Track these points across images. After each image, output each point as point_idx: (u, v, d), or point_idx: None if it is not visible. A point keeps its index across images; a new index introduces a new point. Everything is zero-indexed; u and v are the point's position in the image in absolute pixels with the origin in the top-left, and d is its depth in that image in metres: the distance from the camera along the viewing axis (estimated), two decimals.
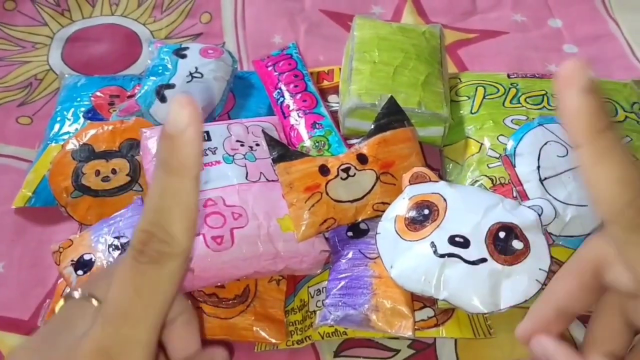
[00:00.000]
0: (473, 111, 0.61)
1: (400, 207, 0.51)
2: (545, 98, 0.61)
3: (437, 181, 0.52)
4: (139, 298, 0.27)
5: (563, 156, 0.52)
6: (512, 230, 0.47)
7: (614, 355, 0.35)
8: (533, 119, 0.57)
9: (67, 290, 0.32)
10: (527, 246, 0.46)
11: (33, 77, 0.74)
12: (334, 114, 0.63)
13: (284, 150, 0.54)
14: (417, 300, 0.52)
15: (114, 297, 0.28)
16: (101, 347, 0.28)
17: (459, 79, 0.66)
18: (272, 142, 0.55)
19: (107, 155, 0.57)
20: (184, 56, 0.65)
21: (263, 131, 0.57)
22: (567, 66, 0.28)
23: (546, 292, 0.36)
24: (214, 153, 0.55)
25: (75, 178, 0.57)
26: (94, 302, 0.31)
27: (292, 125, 0.61)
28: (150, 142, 0.55)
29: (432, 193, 0.51)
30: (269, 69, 0.68)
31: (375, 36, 0.65)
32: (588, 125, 0.28)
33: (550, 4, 0.84)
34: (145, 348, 0.28)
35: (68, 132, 0.64)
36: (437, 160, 0.63)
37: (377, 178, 0.54)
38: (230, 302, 0.52)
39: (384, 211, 0.52)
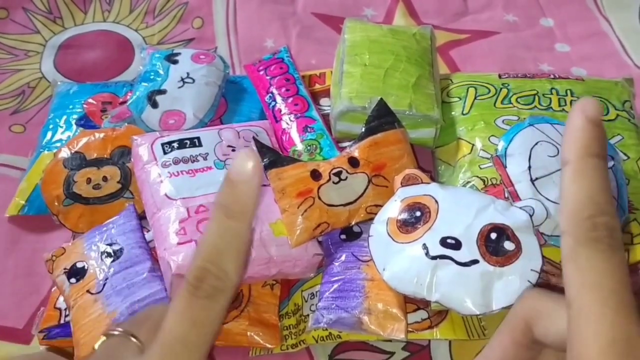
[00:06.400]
0: (464, 112, 0.61)
1: (392, 209, 0.51)
2: (537, 98, 0.61)
3: (428, 183, 0.52)
4: (196, 328, 0.29)
5: (554, 156, 0.52)
6: (503, 231, 0.47)
7: None
8: (524, 119, 0.57)
9: (108, 329, 0.36)
10: (518, 247, 0.46)
11: (26, 85, 0.74)
12: (326, 118, 0.63)
13: (275, 157, 0.54)
14: (411, 303, 0.52)
15: (171, 327, 0.30)
16: None
17: (450, 80, 0.66)
18: (263, 148, 0.55)
19: (98, 162, 0.58)
20: (175, 62, 0.65)
21: (254, 138, 0.57)
22: (588, 99, 0.31)
23: (485, 348, 0.35)
24: (205, 159, 0.55)
25: (66, 186, 0.57)
26: (134, 340, 0.34)
27: (284, 129, 0.62)
28: (141, 149, 0.55)
29: (424, 195, 0.51)
30: (261, 73, 0.68)
31: (366, 39, 0.65)
32: (582, 146, 0.30)
33: (541, 4, 0.84)
34: None
35: (61, 140, 0.64)
36: (429, 161, 0.63)
37: (369, 181, 0.54)
38: None
39: (377, 214, 0.52)
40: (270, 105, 0.64)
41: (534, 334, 0.32)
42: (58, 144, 0.63)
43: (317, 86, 0.70)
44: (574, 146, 0.31)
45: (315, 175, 0.53)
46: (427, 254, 0.47)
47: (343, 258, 0.53)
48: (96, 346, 0.36)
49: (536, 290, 0.34)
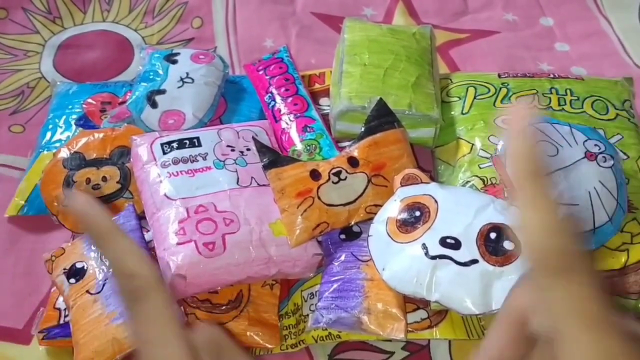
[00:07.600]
0: (464, 112, 0.61)
1: (392, 209, 0.51)
2: (536, 97, 0.61)
3: (428, 182, 0.52)
4: (149, 326, 0.32)
5: (553, 156, 0.51)
6: (503, 231, 0.47)
7: None
8: None
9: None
10: (518, 247, 0.46)
11: (25, 85, 0.74)
12: (325, 117, 0.63)
13: (274, 156, 0.54)
14: (411, 302, 0.52)
15: (136, 335, 0.33)
16: None
17: (450, 79, 0.66)
18: (262, 148, 0.55)
19: (97, 163, 0.58)
20: (175, 62, 0.65)
21: (253, 138, 0.57)
22: (517, 109, 0.30)
23: (482, 345, 0.34)
24: (204, 159, 0.55)
25: (66, 186, 0.57)
26: None
27: (284, 129, 0.62)
28: (141, 150, 0.55)
29: (423, 194, 0.51)
30: (260, 72, 0.68)
31: (366, 38, 0.65)
32: (529, 169, 0.29)
33: (541, 3, 0.84)
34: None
35: (60, 140, 0.64)
36: (429, 161, 0.63)
37: (369, 181, 0.54)
38: (224, 307, 0.52)
39: (376, 213, 0.52)
40: (270, 105, 0.64)
41: (530, 326, 0.31)
42: (57, 144, 0.63)
43: (317, 86, 0.70)
44: (523, 170, 0.29)
45: (315, 175, 0.53)
46: (426, 253, 0.47)
47: (343, 258, 0.53)
48: None
49: (526, 285, 0.32)
